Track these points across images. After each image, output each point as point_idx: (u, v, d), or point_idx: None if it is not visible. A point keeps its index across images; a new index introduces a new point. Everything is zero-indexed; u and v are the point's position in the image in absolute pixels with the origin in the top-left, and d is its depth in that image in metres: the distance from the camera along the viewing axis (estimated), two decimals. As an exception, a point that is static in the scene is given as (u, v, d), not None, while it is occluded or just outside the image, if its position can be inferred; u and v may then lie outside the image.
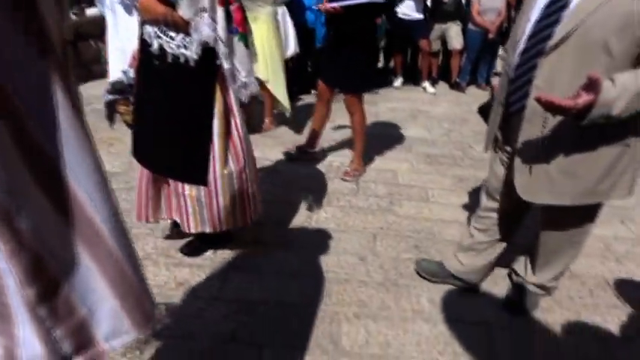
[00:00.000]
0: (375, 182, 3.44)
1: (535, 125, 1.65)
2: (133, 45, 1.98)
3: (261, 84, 3.19)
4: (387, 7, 2.95)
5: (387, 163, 3.78)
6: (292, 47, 4.38)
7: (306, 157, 3.68)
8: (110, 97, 2.58)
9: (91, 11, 5.17)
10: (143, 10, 1.83)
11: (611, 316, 2.22)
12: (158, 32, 1.83)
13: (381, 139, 4.22)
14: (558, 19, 1.49)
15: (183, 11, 1.73)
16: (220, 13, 1.79)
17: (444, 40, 6.05)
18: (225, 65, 1.87)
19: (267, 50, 3.78)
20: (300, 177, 3.42)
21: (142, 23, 1.88)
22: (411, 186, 3.41)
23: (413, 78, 6.30)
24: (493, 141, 1.97)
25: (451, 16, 5.86)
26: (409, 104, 5.34)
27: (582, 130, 1.51)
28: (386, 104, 5.32)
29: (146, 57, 1.89)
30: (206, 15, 1.76)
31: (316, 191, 3.22)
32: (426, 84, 6.10)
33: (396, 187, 3.39)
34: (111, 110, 2.58)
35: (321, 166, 3.64)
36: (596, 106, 1.37)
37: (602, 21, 1.40)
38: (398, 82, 6.24)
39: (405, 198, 3.23)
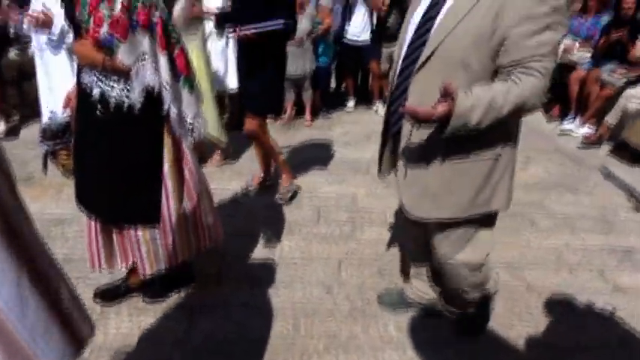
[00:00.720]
0: (335, 208, 3.47)
1: (412, 142, 1.73)
2: (64, 85, 1.93)
3: None
4: (286, 34, 3.05)
5: (345, 187, 3.82)
6: (235, 81, 4.38)
7: (264, 185, 3.69)
8: (46, 146, 2.51)
9: (7, 59, 5.08)
10: (80, 56, 1.79)
11: (569, 327, 2.33)
12: (98, 79, 1.80)
13: (337, 163, 4.27)
14: (425, 40, 1.60)
15: (123, 57, 1.70)
16: (162, 57, 1.78)
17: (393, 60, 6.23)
18: (172, 110, 1.85)
19: (199, 82, 3.76)
20: (260, 207, 3.42)
21: (80, 70, 1.84)
22: (370, 210, 3.46)
23: (365, 99, 6.43)
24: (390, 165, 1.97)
25: (395, 37, 6.04)
26: (363, 126, 5.45)
27: (448, 142, 1.59)
28: (340, 127, 5.41)
29: (86, 105, 1.86)
30: (147, 60, 1.74)
31: (277, 221, 3.22)
32: (378, 105, 6.24)
33: (356, 212, 3.43)
34: (45, 159, 2.51)
35: (280, 196, 3.64)
36: (454, 116, 1.46)
37: (459, 39, 1.51)
38: (351, 103, 6.35)
39: (367, 222, 3.27)
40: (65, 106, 2.06)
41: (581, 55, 5.26)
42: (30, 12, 2.72)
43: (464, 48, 1.51)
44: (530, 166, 4.33)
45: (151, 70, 1.75)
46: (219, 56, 4.57)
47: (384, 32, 6.02)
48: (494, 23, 1.46)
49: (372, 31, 5.84)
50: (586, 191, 3.91)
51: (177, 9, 3.50)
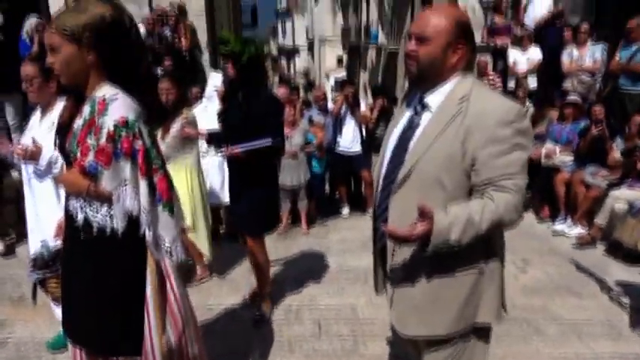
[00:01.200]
0: (336, 321, 3.38)
1: (396, 260, 1.74)
2: (51, 214, 1.95)
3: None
4: (275, 151, 3.19)
5: (344, 297, 3.76)
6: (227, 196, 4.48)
7: (263, 297, 3.61)
8: (35, 275, 2.48)
9: (9, 179, 5.26)
10: (66, 185, 1.86)
11: None
12: (83, 205, 1.85)
13: (335, 272, 4.24)
14: (402, 160, 1.68)
15: (106, 183, 1.77)
16: (143, 183, 1.83)
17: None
18: (148, 234, 1.87)
19: (192, 197, 3.85)
20: (258, 322, 3.31)
21: (67, 197, 1.90)
22: (372, 321, 3.37)
23: (359, 206, 6.55)
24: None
25: (386, 146, 6.32)
26: (359, 233, 5.48)
27: (431, 259, 1.60)
28: (337, 234, 5.44)
29: (71, 231, 1.88)
30: (128, 186, 1.80)
31: (277, 338, 3.11)
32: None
33: (358, 324, 3.34)
34: (35, 289, 2.47)
35: (280, 310, 3.56)
36: (433, 234, 1.50)
37: (433, 160, 1.58)
38: (345, 210, 6.45)
39: (369, 335, 3.17)
40: (56, 235, 2.08)
41: (563, 158, 5.50)
42: (20, 145, 2.84)
43: (438, 169, 1.59)
44: (529, 269, 4.32)
45: (132, 196, 1.80)
46: (216, 170, 4.72)
47: (373, 142, 6.31)
48: (464, 146, 1.55)
49: (362, 142, 6.13)
50: (589, 294, 3.86)
51: (173, 131, 3.69)
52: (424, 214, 1.50)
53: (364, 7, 22.54)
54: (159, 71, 6.42)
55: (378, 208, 1.79)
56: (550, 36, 7.18)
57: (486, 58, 7.49)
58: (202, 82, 7.22)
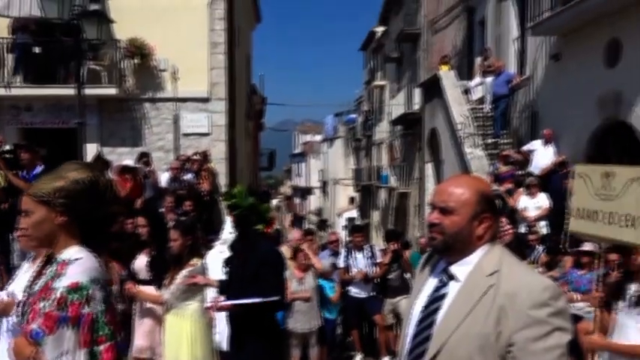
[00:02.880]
0: None
1: None
2: None
3: None
4: (280, 304, 3.18)
5: None
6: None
7: None
8: None
9: None
10: (14, 351, 1.81)
11: None
12: None
13: None
14: (429, 336, 1.56)
15: (47, 351, 1.70)
16: (81, 355, 1.74)
17: (397, 313, 6.29)
18: None
19: (193, 349, 3.69)
20: None
21: None
22: None
23: (372, 352, 6.27)
24: None
25: (399, 290, 6.24)
26: (373, 384, 5.18)
27: None
28: (349, 385, 5.13)
29: None
30: (68, 356, 1.72)
31: None
32: (386, 359, 6.05)
33: None
34: None
35: None
36: None
37: (463, 340, 1.48)
38: (358, 358, 6.17)
39: None
40: None
41: (583, 306, 5.35)
42: None
43: (470, 349, 1.50)
44: None
45: None
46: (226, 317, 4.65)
47: (386, 286, 6.26)
48: (498, 326, 1.46)
49: (374, 285, 6.09)
50: None
51: (177, 280, 3.65)
52: None
53: (375, 151, 23.93)
54: (178, 214, 6.69)
55: None
56: (554, 182, 7.46)
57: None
58: (219, 223, 7.47)
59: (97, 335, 1.77)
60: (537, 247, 6.40)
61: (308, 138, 41.44)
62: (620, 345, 3.15)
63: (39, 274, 1.89)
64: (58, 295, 1.70)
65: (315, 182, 38.43)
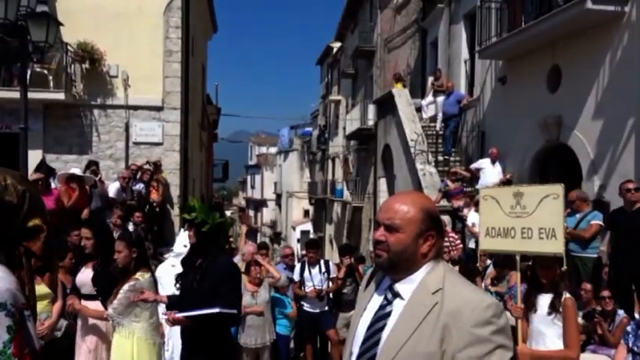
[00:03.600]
0: None
1: None
2: None
3: None
4: (237, 318, 3.14)
5: None
6: None
7: None
8: None
9: None
10: None
11: None
12: None
13: None
14: (374, 355, 1.55)
15: None
16: None
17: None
18: None
19: None
20: None
21: None
22: None
23: (324, 368, 6.24)
24: None
25: (353, 304, 6.26)
26: (324, 400, 5.15)
27: None
28: (301, 402, 5.07)
29: None
30: None
31: None
32: (339, 373, 6.05)
33: None
34: None
35: None
36: None
37: (409, 359, 1.48)
38: (310, 374, 6.12)
39: None
40: None
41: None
42: None
43: None
44: None
45: None
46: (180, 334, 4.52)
47: (340, 300, 6.28)
48: (442, 345, 1.46)
49: (328, 300, 6.08)
50: None
51: (120, 295, 3.51)
52: None
53: (329, 165, 24.13)
54: (130, 225, 6.47)
55: None
56: (501, 200, 7.77)
57: (445, 219, 7.93)
58: (170, 235, 7.28)
59: None
60: (486, 262, 6.61)
61: (263, 150, 41.31)
62: (542, 352, 3.31)
63: None
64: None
65: (269, 194, 38.25)
